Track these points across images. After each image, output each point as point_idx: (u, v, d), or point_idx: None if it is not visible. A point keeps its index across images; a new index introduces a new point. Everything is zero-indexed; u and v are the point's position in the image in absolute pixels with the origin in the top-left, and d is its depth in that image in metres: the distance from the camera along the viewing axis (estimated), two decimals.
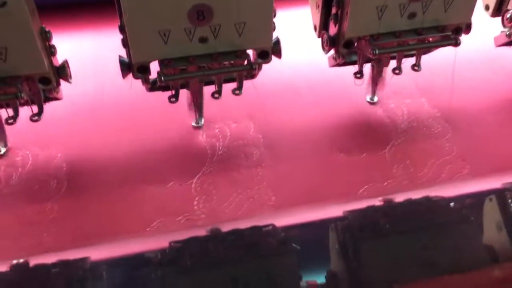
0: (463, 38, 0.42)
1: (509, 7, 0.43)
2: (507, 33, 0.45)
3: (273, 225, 0.33)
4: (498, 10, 0.44)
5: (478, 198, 0.36)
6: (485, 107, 0.48)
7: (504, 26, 0.44)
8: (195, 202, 0.39)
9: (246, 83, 0.41)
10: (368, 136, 0.45)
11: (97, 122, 0.45)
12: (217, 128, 0.45)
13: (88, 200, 0.39)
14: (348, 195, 0.39)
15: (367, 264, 0.31)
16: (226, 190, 0.40)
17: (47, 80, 0.36)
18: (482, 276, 0.29)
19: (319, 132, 0.45)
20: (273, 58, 0.40)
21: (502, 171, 0.41)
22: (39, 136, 0.43)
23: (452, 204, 0.35)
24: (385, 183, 0.40)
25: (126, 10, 0.34)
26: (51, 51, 0.35)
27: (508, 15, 0.43)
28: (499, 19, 0.45)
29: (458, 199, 0.36)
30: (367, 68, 0.45)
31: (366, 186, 0.40)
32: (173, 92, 0.41)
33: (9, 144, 0.42)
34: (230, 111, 0.46)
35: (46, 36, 0.35)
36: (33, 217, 0.37)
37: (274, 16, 0.38)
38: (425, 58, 0.44)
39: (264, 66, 0.40)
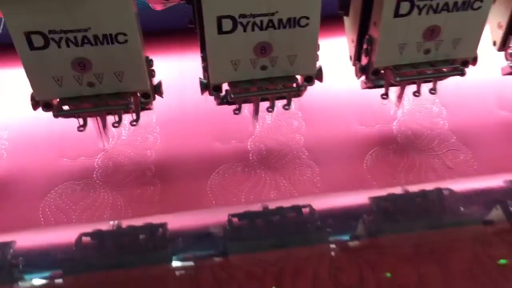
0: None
1: (511, 44, 0.53)
2: (511, 64, 0.54)
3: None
4: (503, 46, 0.54)
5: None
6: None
7: (506, 59, 0.54)
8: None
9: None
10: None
11: (178, 127, 0.58)
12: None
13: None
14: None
15: None
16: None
17: (147, 95, 0.48)
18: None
19: (357, 137, 0.56)
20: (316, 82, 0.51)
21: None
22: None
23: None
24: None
25: (209, 45, 0.46)
26: (152, 74, 0.48)
27: (510, 51, 0.53)
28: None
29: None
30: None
31: None
32: (237, 106, 0.52)
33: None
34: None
35: (149, 64, 0.47)
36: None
37: (318, 49, 0.49)
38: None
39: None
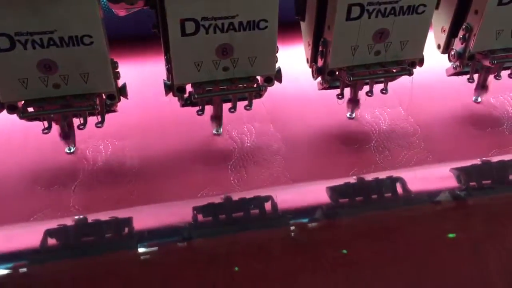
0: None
1: (453, 47, 0.57)
2: (453, 66, 0.59)
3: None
4: (446, 49, 0.59)
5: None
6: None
7: (450, 61, 0.58)
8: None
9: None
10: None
11: (144, 128, 0.59)
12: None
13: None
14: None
15: None
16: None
17: (112, 97, 0.50)
18: None
19: (319, 133, 0.59)
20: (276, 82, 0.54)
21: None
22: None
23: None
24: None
25: (172, 47, 0.47)
26: (117, 76, 0.49)
27: (452, 53, 0.57)
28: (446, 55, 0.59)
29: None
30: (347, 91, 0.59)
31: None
32: (200, 107, 0.54)
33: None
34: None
35: (114, 65, 0.48)
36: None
37: (277, 51, 0.51)
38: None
39: (272, 90, 0.54)
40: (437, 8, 0.53)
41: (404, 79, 0.56)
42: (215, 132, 0.58)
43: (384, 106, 0.63)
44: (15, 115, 0.47)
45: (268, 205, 0.45)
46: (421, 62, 0.55)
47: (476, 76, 0.60)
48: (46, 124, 0.50)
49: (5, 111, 0.47)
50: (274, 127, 0.60)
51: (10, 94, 0.46)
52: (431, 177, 0.48)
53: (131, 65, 0.68)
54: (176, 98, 0.53)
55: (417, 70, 0.55)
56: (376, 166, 0.55)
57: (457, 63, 0.58)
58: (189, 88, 0.51)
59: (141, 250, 0.40)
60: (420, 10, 0.51)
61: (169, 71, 0.50)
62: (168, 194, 0.52)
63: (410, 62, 0.54)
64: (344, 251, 0.39)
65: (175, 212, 0.45)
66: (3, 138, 0.57)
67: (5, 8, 0.41)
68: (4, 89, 0.45)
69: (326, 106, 0.63)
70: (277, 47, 0.50)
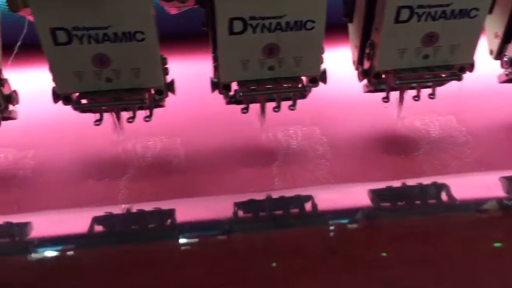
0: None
1: (507, 53, 0.56)
2: (506, 73, 0.57)
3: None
4: (499, 55, 0.57)
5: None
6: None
7: (502, 67, 0.56)
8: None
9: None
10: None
11: (190, 124, 0.61)
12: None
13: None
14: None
15: None
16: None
17: (161, 92, 0.51)
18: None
19: (364, 137, 0.59)
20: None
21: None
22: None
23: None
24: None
25: (220, 46, 0.49)
26: (166, 72, 0.51)
27: (505, 59, 0.55)
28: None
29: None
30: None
31: None
32: (245, 105, 0.55)
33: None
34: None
35: (163, 62, 0.50)
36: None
37: (323, 52, 0.51)
38: None
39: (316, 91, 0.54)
40: (490, 12, 0.51)
41: (452, 85, 0.55)
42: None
43: (434, 113, 0.62)
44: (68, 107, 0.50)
45: (308, 204, 0.46)
46: (471, 67, 0.54)
47: None
48: (98, 116, 0.52)
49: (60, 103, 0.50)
50: (320, 130, 0.60)
51: (66, 86, 0.48)
52: (478, 184, 0.47)
53: (177, 62, 0.70)
54: (221, 96, 0.54)
55: (466, 76, 0.54)
56: (424, 174, 0.54)
57: (510, 70, 0.56)
58: (234, 86, 0.52)
59: (182, 241, 0.42)
60: (473, 14, 0.50)
61: (216, 68, 0.51)
62: (210, 190, 0.53)
63: (459, 67, 0.53)
64: (383, 254, 0.39)
65: (216, 206, 0.46)
66: (56, 129, 0.61)
67: (64, 4, 0.43)
68: (60, 81, 0.48)
69: (372, 110, 0.62)
70: (323, 48, 0.51)
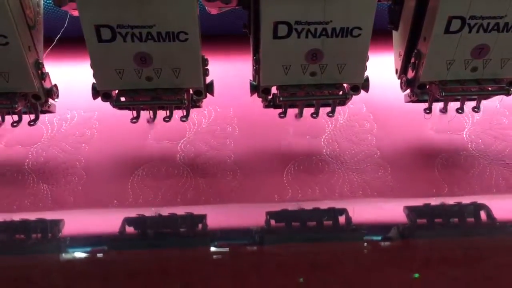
0: None
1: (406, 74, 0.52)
2: (407, 94, 0.54)
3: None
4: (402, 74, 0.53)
5: None
6: None
7: (401, 88, 0.53)
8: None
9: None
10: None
11: (226, 126, 0.60)
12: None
13: None
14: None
15: None
16: None
17: (200, 93, 0.51)
18: None
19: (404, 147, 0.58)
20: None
21: None
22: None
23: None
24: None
25: (263, 49, 0.48)
26: (206, 73, 0.50)
27: (404, 80, 0.52)
28: None
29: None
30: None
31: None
32: (283, 109, 0.54)
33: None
34: None
35: (204, 63, 0.49)
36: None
37: (367, 60, 0.50)
38: None
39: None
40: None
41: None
42: None
43: (473, 126, 0.60)
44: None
45: (342, 218, 0.44)
46: None
47: None
48: (135, 113, 0.52)
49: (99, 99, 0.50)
50: (377, 130, 0.59)
51: (106, 83, 0.48)
52: None
53: (215, 63, 0.70)
54: (259, 99, 0.53)
55: None
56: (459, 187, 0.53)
57: (408, 92, 0.54)
58: (273, 90, 0.51)
59: (212, 249, 0.41)
60: None
61: (256, 71, 0.50)
62: (241, 196, 0.53)
63: (508, 82, 0.51)
64: (416, 275, 0.37)
65: (248, 215, 0.45)
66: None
67: (110, 2, 0.43)
68: (101, 77, 0.47)
69: (413, 120, 0.60)
70: (368, 56, 0.49)
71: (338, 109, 0.56)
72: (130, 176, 0.54)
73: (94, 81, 0.48)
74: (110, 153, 0.56)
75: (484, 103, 0.55)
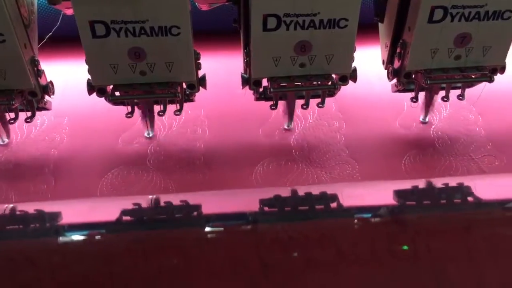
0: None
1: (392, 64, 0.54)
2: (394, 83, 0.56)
3: None
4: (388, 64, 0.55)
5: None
6: None
7: (388, 78, 0.55)
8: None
9: None
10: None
11: (219, 118, 0.62)
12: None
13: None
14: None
15: None
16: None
17: (193, 86, 0.52)
18: None
19: (388, 134, 0.59)
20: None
21: None
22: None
23: None
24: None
25: (254, 42, 0.49)
26: (198, 67, 0.51)
27: (390, 69, 0.54)
28: None
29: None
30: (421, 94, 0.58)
31: None
32: (274, 101, 0.56)
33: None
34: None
35: (197, 56, 0.51)
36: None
37: (354, 51, 0.52)
38: None
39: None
40: None
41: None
42: (286, 127, 0.59)
43: (440, 122, 0.62)
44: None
45: (333, 199, 0.46)
46: (502, 69, 0.53)
47: None
48: (129, 108, 0.53)
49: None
50: (346, 128, 0.61)
51: (101, 78, 0.49)
52: (503, 185, 0.47)
53: (207, 58, 0.71)
54: (251, 92, 0.55)
55: (497, 78, 0.54)
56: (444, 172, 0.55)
57: (395, 82, 0.56)
58: (264, 82, 0.53)
59: (207, 229, 0.42)
60: (506, 16, 0.49)
61: (247, 64, 0.51)
62: (233, 183, 0.54)
63: (491, 69, 0.53)
64: (405, 247, 0.39)
65: (241, 199, 0.47)
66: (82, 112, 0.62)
67: None
68: (96, 73, 0.49)
69: (398, 110, 0.62)
70: (355, 46, 0.51)
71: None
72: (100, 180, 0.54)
73: (89, 77, 0.50)
74: (79, 157, 0.57)
75: (450, 99, 0.57)
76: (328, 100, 0.56)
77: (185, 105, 0.55)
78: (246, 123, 0.61)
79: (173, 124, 0.61)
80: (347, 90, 0.55)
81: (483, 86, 0.55)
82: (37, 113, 0.54)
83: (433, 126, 0.60)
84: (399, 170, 0.55)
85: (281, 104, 0.57)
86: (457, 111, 0.62)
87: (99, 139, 0.59)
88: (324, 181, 0.54)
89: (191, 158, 0.57)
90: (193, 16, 0.48)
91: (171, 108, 0.54)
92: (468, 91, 0.57)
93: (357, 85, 0.54)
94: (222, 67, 0.69)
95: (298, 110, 0.60)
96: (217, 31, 0.69)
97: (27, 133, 0.59)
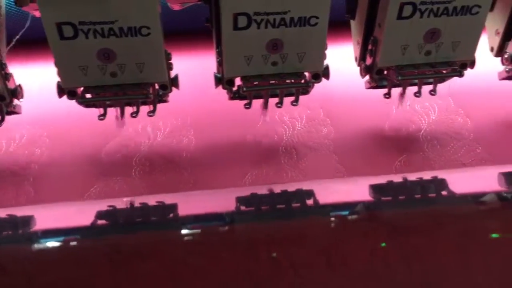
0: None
1: (507, 50, 0.56)
2: (506, 70, 0.58)
3: None
4: (500, 52, 0.57)
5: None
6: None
7: (502, 64, 0.57)
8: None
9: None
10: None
11: (195, 119, 0.61)
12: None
13: None
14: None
15: None
16: None
17: (165, 87, 0.52)
18: None
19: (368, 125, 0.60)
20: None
21: None
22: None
23: None
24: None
25: (224, 41, 0.49)
26: (170, 67, 0.51)
27: (506, 56, 0.56)
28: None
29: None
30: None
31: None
32: (248, 100, 0.56)
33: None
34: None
35: (168, 57, 0.50)
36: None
37: (326, 48, 0.52)
38: None
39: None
40: (491, 9, 0.52)
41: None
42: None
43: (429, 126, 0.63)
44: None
45: (309, 197, 0.46)
46: (472, 64, 0.54)
47: None
48: (102, 110, 0.53)
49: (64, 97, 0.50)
50: (322, 125, 0.61)
51: (71, 81, 0.48)
52: (477, 178, 0.48)
53: (180, 58, 0.70)
54: (225, 91, 0.54)
55: (467, 73, 0.54)
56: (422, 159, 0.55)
57: (510, 67, 0.56)
58: (238, 81, 0.53)
59: (184, 231, 0.42)
60: (474, 11, 0.50)
61: (220, 64, 0.51)
62: (212, 183, 0.54)
63: (461, 64, 0.53)
64: (383, 244, 0.39)
65: (219, 199, 0.46)
66: (62, 123, 0.61)
67: None
68: (65, 75, 0.48)
69: (374, 106, 0.63)
70: (326, 44, 0.51)
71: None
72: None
73: (59, 79, 0.49)
74: (60, 170, 0.56)
75: (438, 102, 0.57)
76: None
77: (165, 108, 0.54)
78: (230, 125, 0.61)
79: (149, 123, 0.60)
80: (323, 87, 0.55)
81: (451, 81, 0.55)
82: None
83: (421, 132, 0.61)
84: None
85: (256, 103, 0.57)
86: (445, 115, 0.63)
87: (81, 150, 0.58)
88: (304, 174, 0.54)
89: (172, 157, 0.56)
90: (165, 16, 0.47)
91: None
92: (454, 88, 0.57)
93: (332, 82, 0.54)
94: (197, 67, 0.69)
95: (286, 117, 0.61)
96: (190, 31, 0.69)
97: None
